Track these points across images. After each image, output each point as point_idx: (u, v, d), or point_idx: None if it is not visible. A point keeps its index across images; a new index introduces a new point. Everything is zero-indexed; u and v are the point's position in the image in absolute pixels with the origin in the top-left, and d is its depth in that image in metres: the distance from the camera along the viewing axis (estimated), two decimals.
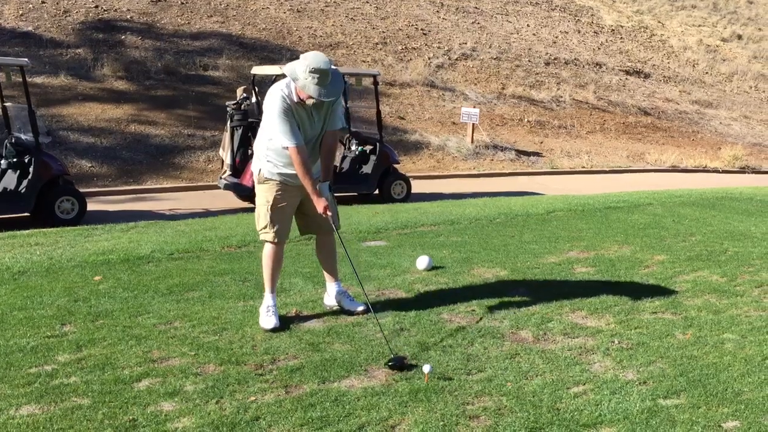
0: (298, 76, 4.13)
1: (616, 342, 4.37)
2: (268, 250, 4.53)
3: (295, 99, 4.22)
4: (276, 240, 4.48)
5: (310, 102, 4.19)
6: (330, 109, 4.39)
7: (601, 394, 3.63)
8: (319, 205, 4.34)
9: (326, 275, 4.82)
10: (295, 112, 4.24)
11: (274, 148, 4.34)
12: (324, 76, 4.11)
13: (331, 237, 4.72)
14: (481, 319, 4.72)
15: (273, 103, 4.22)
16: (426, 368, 3.74)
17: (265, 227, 4.47)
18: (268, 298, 4.52)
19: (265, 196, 4.46)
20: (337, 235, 4.56)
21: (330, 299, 4.82)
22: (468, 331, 4.46)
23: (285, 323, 4.46)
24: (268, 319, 4.41)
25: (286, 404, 3.42)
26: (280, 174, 4.39)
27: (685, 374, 3.90)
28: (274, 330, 4.33)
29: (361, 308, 4.68)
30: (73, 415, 3.26)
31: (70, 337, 4.22)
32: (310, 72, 4.09)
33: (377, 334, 4.35)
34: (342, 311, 4.72)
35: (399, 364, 3.82)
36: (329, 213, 4.36)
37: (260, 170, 4.47)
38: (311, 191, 4.31)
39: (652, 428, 3.29)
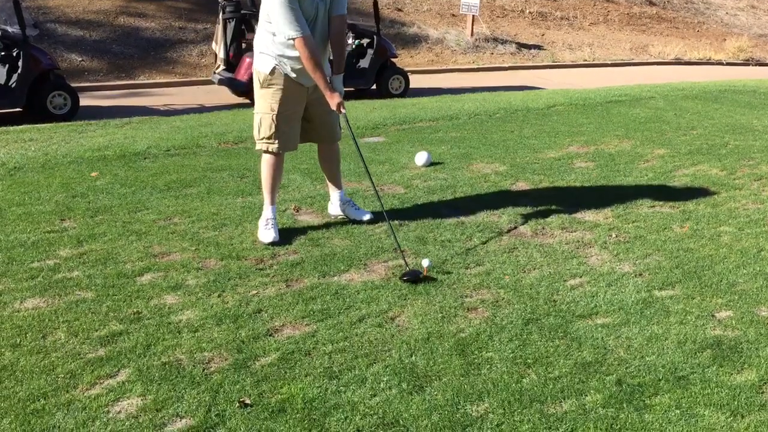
0: None
1: (614, 235, 4.40)
2: (268, 160, 4.21)
3: None
4: (280, 151, 4.22)
5: None
6: None
7: (597, 286, 3.69)
8: (333, 101, 4.00)
9: (329, 184, 4.61)
10: None
11: (281, 42, 3.96)
12: None
13: (335, 145, 4.47)
14: (479, 214, 4.73)
15: None
16: (425, 262, 3.77)
17: (270, 137, 4.12)
18: (267, 211, 4.26)
19: (269, 103, 4.09)
20: (352, 137, 4.24)
21: (334, 208, 4.62)
22: (466, 226, 4.48)
23: (284, 234, 4.24)
24: (266, 233, 4.19)
25: (287, 297, 3.48)
26: (293, 71, 4.03)
27: (680, 266, 3.95)
28: (272, 244, 4.13)
29: (367, 217, 4.50)
30: (78, 308, 3.31)
31: (70, 232, 4.24)
32: None
33: (377, 228, 4.37)
34: (348, 221, 4.54)
35: (414, 278, 3.68)
36: (343, 110, 4.06)
37: (264, 69, 4.08)
38: (324, 87, 3.99)
39: (646, 318, 3.35)
